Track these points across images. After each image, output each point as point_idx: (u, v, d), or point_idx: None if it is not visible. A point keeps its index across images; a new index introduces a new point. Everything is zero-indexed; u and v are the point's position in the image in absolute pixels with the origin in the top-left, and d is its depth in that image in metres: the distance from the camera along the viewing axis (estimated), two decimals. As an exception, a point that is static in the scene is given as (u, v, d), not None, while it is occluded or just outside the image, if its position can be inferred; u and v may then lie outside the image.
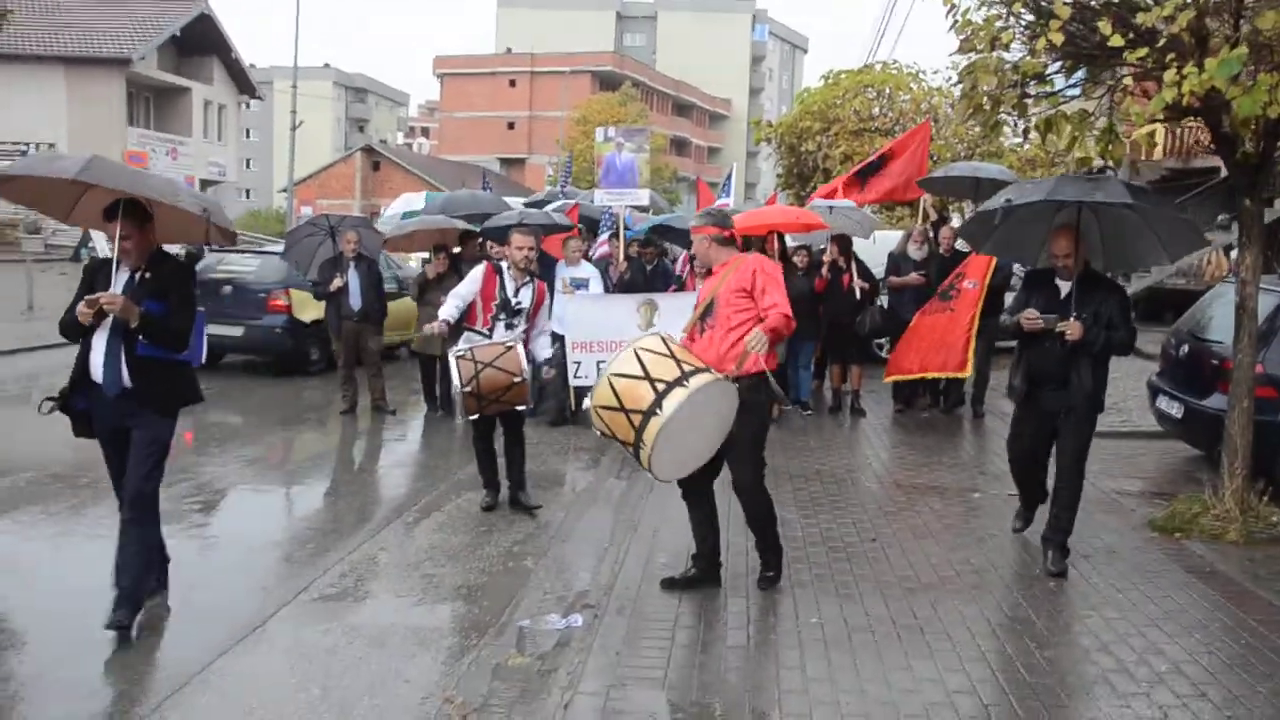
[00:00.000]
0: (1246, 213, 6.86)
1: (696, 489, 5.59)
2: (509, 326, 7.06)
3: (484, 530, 6.81)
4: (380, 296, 10.91)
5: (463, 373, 6.63)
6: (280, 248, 13.32)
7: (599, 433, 5.40)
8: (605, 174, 11.60)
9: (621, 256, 11.29)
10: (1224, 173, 8.10)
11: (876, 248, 12.82)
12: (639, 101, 63.58)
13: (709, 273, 5.74)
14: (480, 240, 11.27)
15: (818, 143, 20.72)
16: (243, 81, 42.29)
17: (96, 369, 4.88)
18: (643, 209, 12.74)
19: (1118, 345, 5.87)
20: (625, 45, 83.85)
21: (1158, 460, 9.15)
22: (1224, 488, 6.84)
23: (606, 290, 10.62)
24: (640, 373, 5.09)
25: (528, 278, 7.18)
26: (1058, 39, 6.35)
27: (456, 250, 11.34)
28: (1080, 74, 7.53)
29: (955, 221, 14.33)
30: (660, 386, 5.01)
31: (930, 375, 10.62)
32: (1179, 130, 20.95)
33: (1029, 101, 7.27)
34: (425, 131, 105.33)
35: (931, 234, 11.53)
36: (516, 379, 6.70)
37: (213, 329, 12.17)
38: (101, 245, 19.41)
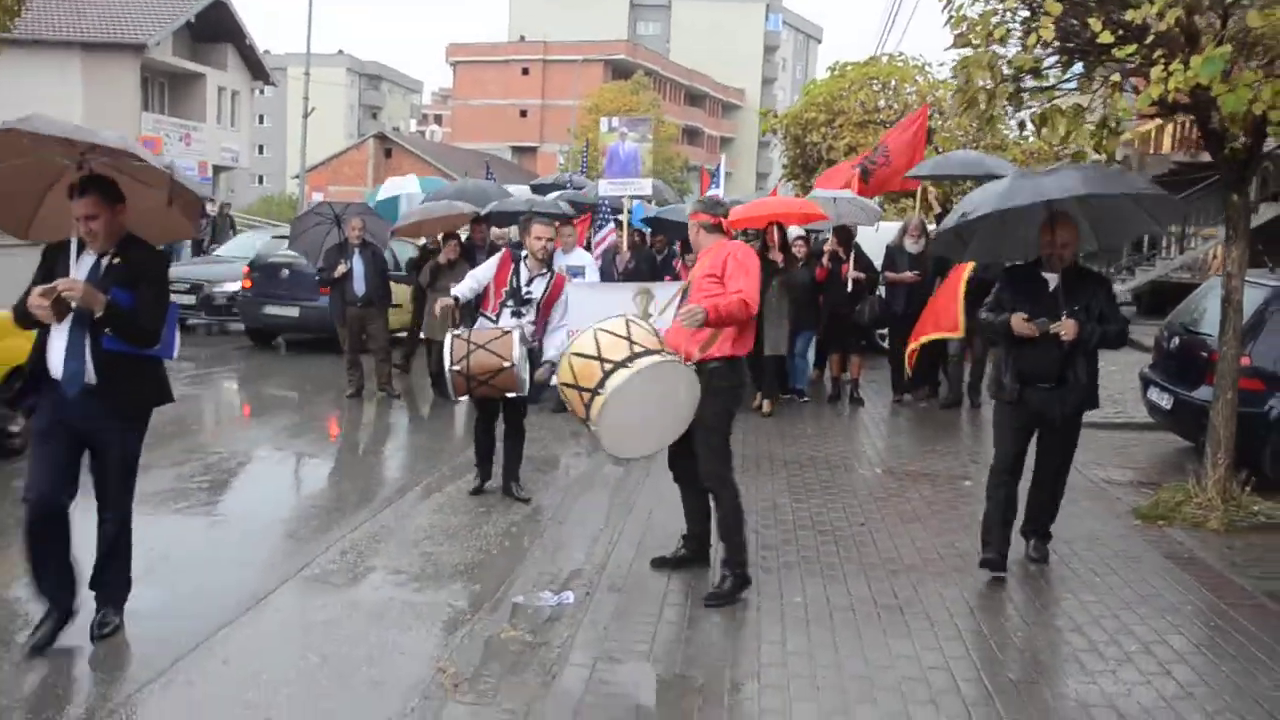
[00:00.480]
0: (1233, 207, 6.98)
1: (687, 475, 5.72)
2: (515, 314, 7.06)
3: (482, 511, 6.99)
4: (385, 282, 11.05)
5: (455, 351, 6.67)
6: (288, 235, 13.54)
7: (567, 409, 5.58)
8: (609, 164, 11.74)
9: (625, 246, 11.41)
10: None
11: (879, 235, 12.93)
12: (651, 90, 63.66)
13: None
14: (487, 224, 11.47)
15: (823, 134, 20.84)
16: (256, 68, 42.49)
17: (56, 365, 4.41)
18: (645, 198, 12.83)
19: (1113, 338, 5.63)
20: (639, 34, 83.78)
21: (1148, 451, 9.29)
22: (1207, 477, 6.99)
23: (610, 279, 10.77)
24: (594, 352, 5.26)
25: (545, 269, 7.17)
26: (1049, 35, 6.49)
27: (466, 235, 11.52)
28: (1077, 69, 7.66)
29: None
30: (608, 366, 5.19)
31: (927, 338, 10.46)
32: (1188, 123, 20.98)
33: (1025, 95, 7.40)
34: (438, 119, 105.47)
35: (933, 227, 11.65)
36: (506, 364, 6.64)
37: (272, 310, 14.09)
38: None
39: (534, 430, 9.01)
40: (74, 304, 4.28)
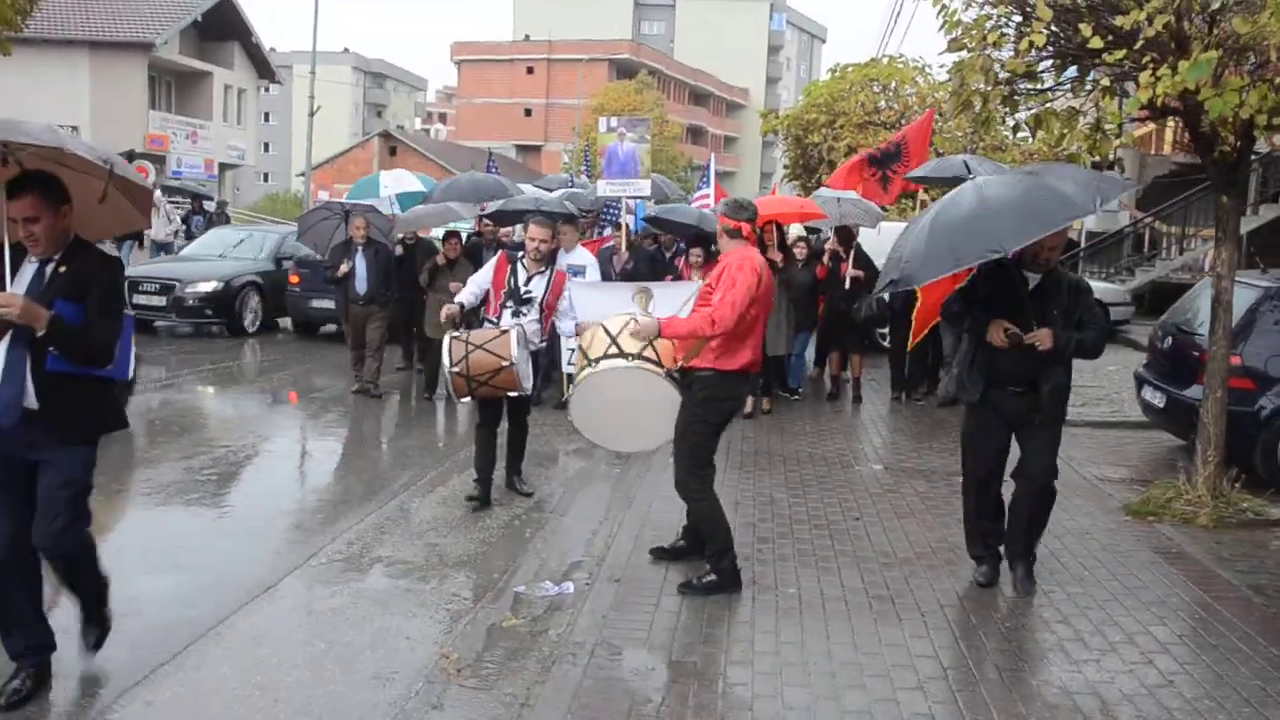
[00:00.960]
0: (1223, 209, 7.11)
1: None
2: (516, 315, 7.05)
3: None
4: (387, 282, 11.04)
5: (454, 353, 6.65)
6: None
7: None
8: (608, 164, 11.81)
9: (624, 246, 11.48)
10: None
11: (881, 238, 13.03)
12: (655, 90, 63.78)
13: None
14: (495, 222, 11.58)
15: (824, 135, 20.99)
16: (263, 66, 42.71)
17: None
18: (645, 198, 12.93)
19: (1090, 347, 5.28)
20: (643, 33, 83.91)
21: (1142, 449, 9.41)
22: (1197, 474, 7.12)
23: (608, 280, 10.83)
24: (585, 345, 5.69)
25: (543, 267, 7.17)
26: (1040, 40, 6.61)
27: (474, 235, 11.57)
28: (1070, 72, 7.78)
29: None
30: (584, 361, 5.62)
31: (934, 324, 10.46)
32: (1181, 126, 21.07)
33: (1019, 98, 7.53)
34: (442, 117, 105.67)
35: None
36: (505, 363, 6.61)
37: (318, 304, 14.18)
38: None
39: (536, 426, 9.14)
40: (13, 321, 3.71)
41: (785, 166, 24.29)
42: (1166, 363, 8.93)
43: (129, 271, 12.07)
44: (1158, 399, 8.77)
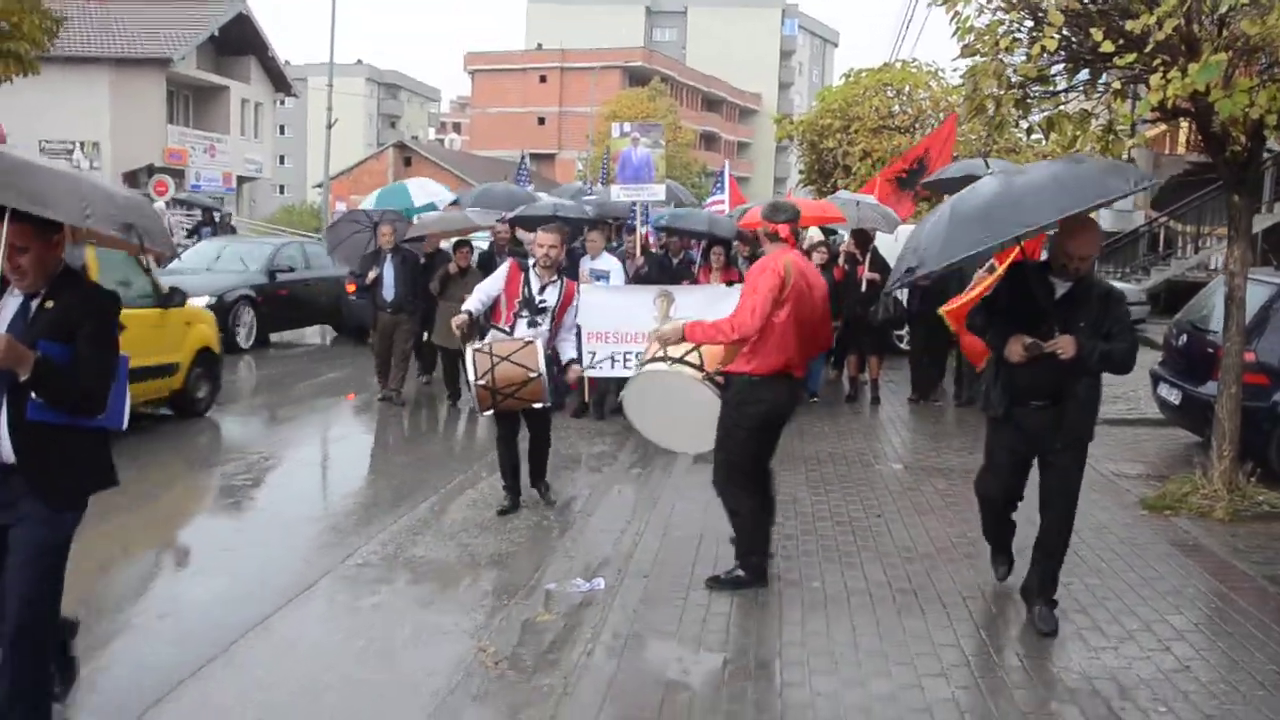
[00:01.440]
0: (1235, 208, 7.23)
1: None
2: (531, 324, 6.98)
3: (514, 506, 7.31)
4: (415, 289, 11.10)
5: (478, 366, 6.57)
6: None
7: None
8: (621, 169, 11.81)
9: (638, 251, 11.54)
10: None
11: (898, 245, 13.15)
12: (668, 96, 64.05)
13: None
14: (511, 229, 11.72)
15: (838, 140, 21.15)
16: (279, 80, 43.12)
17: None
18: (660, 204, 13.04)
19: (1118, 358, 4.83)
20: (655, 40, 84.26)
21: (1158, 446, 9.52)
22: (1213, 468, 7.23)
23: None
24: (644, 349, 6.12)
25: (555, 276, 7.10)
26: (1051, 45, 6.75)
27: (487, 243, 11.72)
28: (1083, 75, 7.92)
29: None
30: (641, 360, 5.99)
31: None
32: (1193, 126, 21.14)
33: (1031, 102, 7.67)
34: (456, 127, 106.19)
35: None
36: (533, 374, 6.57)
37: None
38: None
39: (561, 429, 9.35)
40: None
41: (800, 172, 24.45)
42: (1182, 360, 9.04)
43: None
44: (1174, 396, 8.88)
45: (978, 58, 7.47)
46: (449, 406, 11.17)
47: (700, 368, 5.71)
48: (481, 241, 13.56)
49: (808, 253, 10.99)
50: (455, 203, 14.41)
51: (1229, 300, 7.25)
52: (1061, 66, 7.72)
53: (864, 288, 11.23)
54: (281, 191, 72.83)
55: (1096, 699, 4.24)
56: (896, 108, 20.69)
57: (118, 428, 3.70)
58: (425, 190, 15.31)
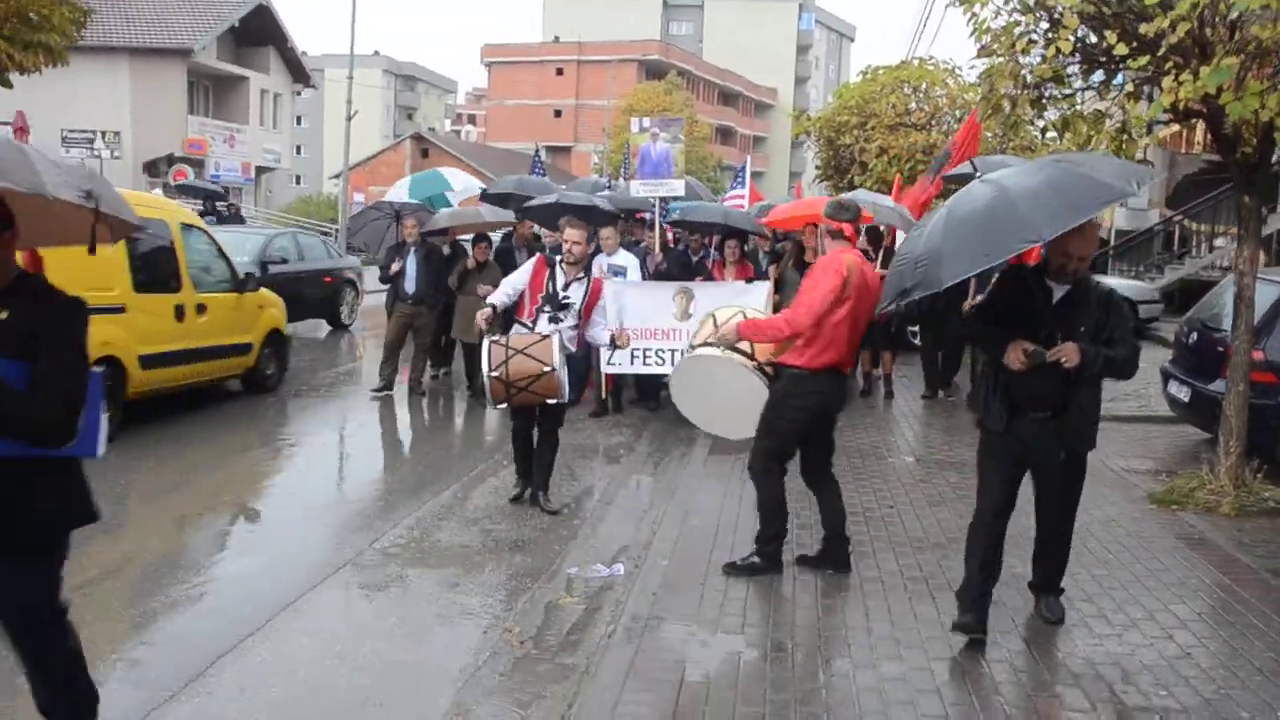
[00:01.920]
0: (1245, 208, 7.35)
1: (814, 484, 5.98)
2: (553, 320, 6.96)
3: (535, 493, 7.50)
4: (437, 283, 11.20)
5: (493, 357, 6.58)
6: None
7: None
8: (641, 165, 11.77)
9: (657, 247, 11.52)
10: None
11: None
12: (684, 90, 64.11)
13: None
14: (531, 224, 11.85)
15: (855, 136, 21.27)
16: (298, 71, 43.38)
17: None
18: (679, 199, 13.09)
19: (1120, 364, 4.66)
20: (671, 34, 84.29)
21: (1168, 442, 9.64)
22: (1220, 464, 7.36)
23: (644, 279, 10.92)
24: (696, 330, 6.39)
25: (582, 273, 7.09)
26: (1066, 46, 6.90)
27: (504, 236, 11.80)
28: (1098, 76, 8.05)
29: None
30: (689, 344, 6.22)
31: None
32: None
33: (1047, 102, 7.80)
34: (472, 119, 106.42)
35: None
36: (547, 369, 6.54)
37: None
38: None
39: (579, 421, 9.56)
40: None
41: (816, 167, 24.58)
42: (1192, 358, 9.16)
43: None
44: (1183, 393, 9.01)
45: (994, 58, 7.62)
46: (469, 397, 11.30)
47: (751, 356, 5.85)
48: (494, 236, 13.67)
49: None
50: (484, 194, 14.51)
51: (1238, 299, 7.37)
52: (1077, 68, 7.86)
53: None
54: (298, 182, 73.15)
55: (1100, 682, 4.40)
56: (913, 105, 20.79)
57: (91, 455, 3.16)
58: (458, 179, 15.44)
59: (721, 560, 5.88)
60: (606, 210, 11.95)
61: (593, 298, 7.11)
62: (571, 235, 7.03)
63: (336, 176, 44.80)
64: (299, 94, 47.73)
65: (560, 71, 75.08)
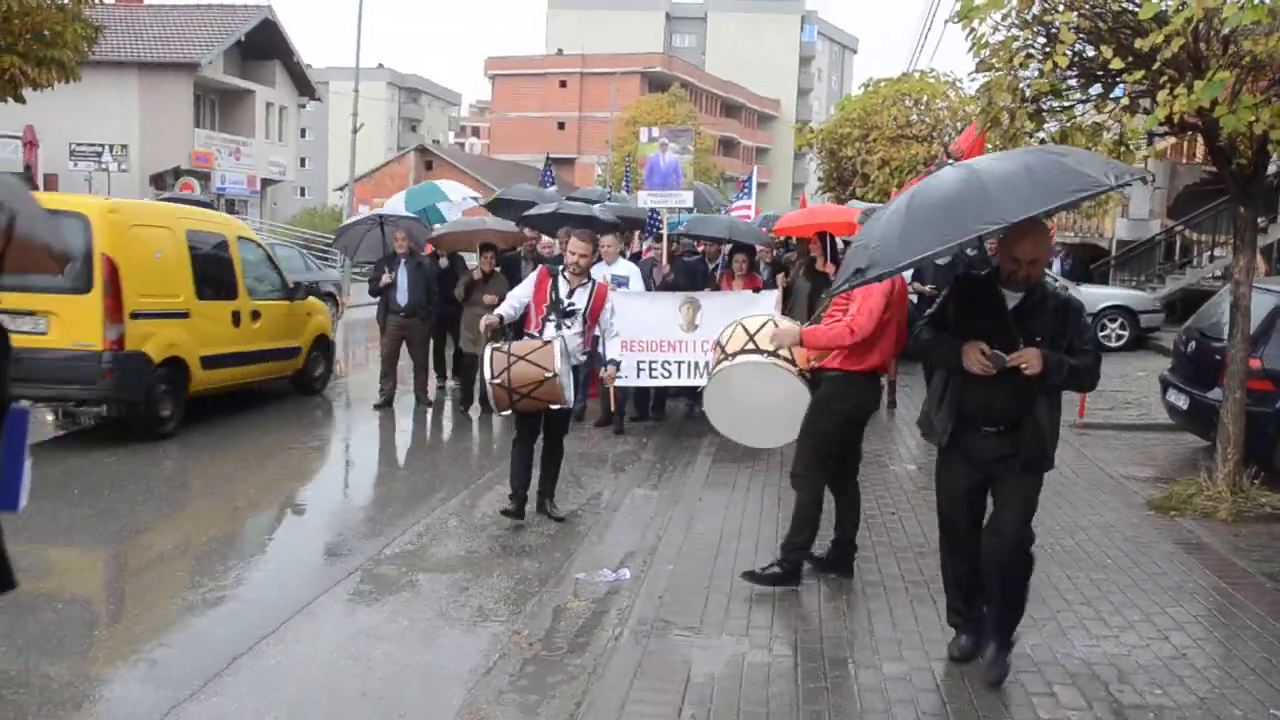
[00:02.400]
0: (1240, 219, 7.47)
1: (834, 484, 6.00)
2: (559, 328, 7.00)
3: (542, 501, 7.61)
4: (429, 295, 11.27)
5: (494, 365, 6.59)
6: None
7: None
8: (649, 175, 11.79)
9: (665, 258, 11.55)
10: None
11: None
12: (688, 102, 64.36)
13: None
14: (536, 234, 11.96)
15: (857, 148, 21.45)
16: (303, 84, 43.64)
17: None
18: (688, 210, 13.11)
19: (1083, 374, 4.32)
20: (674, 46, 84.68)
21: (1167, 450, 9.75)
22: (1218, 471, 7.47)
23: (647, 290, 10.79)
24: (724, 341, 6.18)
25: (586, 279, 7.15)
26: (1064, 61, 7.03)
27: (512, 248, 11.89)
28: (1096, 89, 8.18)
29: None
30: (721, 356, 6.10)
31: None
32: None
33: (1045, 114, 7.93)
34: (476, 131, 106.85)
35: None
36: (548, 374, 6.55)
37: None
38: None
39: (585, 430, 9.67)
40: None
41: (819, 179, 24.74)
42: (1190, 366, 9.27)
43: None
44: (1182, 401, 9.12)
45: (993, 72, 7.75)
46: (461, 412, 11.25)
47: (792, 362, 5.90)
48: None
49: (841, 259, 11.14)
50: (491, 204, 14.63)
51: (1234, 308, 7.49)
52: (1075, 81, 7.99)
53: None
54: (302, 194, 73.48)
55: (1096, 682, 4.51)
56: (914, 117, 20.96)
57: (11, 510, 2.73)
58: (455, 190, 15.53)
59: (726, 566, 5.99)
60: (606, 220, 11.95)
61: (597, 302, 7.17)
62: (577, 247, 7.10)
63: (341, 188, 45.03)
64: (304, 107, 48.01)
65: (564, 84, 75.43)
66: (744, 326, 6.16)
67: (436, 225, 13.28)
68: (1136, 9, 6.89)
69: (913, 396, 12.34)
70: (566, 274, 7.12)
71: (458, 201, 14.88)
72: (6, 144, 27.66)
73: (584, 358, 7.55)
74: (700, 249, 12.36)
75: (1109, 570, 6.08)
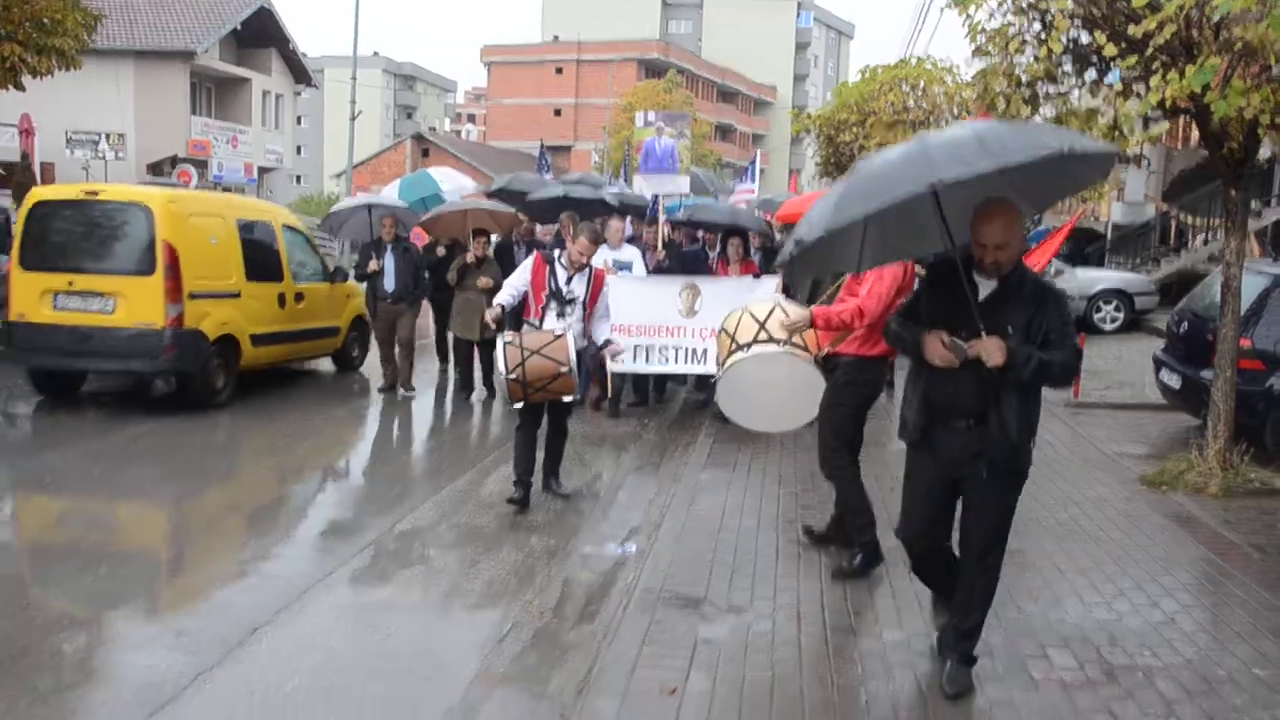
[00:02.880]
0: (1232, 202, 7.63)
1: None
2: (560, 315, 7.07)
3: (548, 479, 7.77)
4: (417, 280, 11.32)
5: (509, 359, 6.64)
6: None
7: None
8: (644, 159, 11.75)
9: (659, 244, 11.51)
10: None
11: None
12: (684, 89, 64.35)
13: None
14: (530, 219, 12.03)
15: (854, 134, 21.56)
16: (299, 71, 43.67)
17: None
18: (683, 195, 13.11)
19: (1057, 370, 3.97)
20: (670, 32, 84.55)
21: (1160, 428, 9.93)
22: (1208, 448, 7.65)
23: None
24: (731, 329, 6.12)
25: (584, 265, 7.17)
26: (1058, 47, 7.18)
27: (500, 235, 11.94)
28: (1091, 74, 8.31)
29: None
30: (731, 345, 6.07)
31: None
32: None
33: (1040, 99, 8.08)
34: (472, 118, 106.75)
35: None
36: (564, 369, 6.65)
37: None
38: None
39: (586, 410, 9.82)
40: None
41: (816, 164, 24.86)
42: (1183, 346, 9.44)
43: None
44: (1174, 381, 9.29)
45: (989, 58, 7.89)
46: (464, 400, 11.27)
47: (806, 349, 5.97)
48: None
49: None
50: (493, 195, 14.65)
51: (1225, 289, 7.65)
52: (1069, 66, 8.12)
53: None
54: (299, 182, 73.41)
55: (1088, 645, 4.69)
56: (911, 102, 21.03)
57: None
58: (450, 179, 15.59)
59: (728, 541, 6.16)
60: (610, 205, 12.02)
61: (595, 289, 7.22)
62: (585, 250, 7.09)
63: (338, 176, 45.10)
64: (300, 94, 48.02)
65: (560, 70, 75.33)
66: (752, 314, 6.13)
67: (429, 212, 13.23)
68: (1130, -5, 7.03)
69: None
70: (563, 261, 7.15)
71: (450, 191, 14.91)
72: (3, 132, 27.70)
73: (585, 343, 7.57)
74: (702, 236, 12.40)
75: (1102, 542, 6.26)
